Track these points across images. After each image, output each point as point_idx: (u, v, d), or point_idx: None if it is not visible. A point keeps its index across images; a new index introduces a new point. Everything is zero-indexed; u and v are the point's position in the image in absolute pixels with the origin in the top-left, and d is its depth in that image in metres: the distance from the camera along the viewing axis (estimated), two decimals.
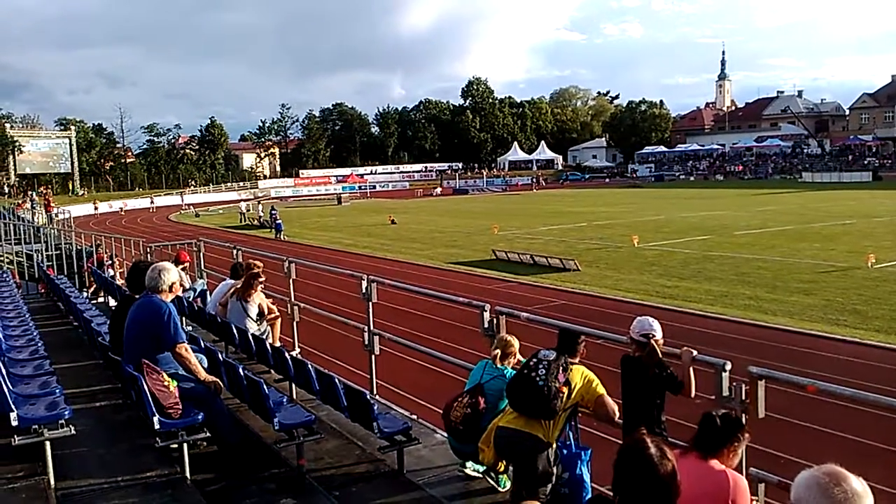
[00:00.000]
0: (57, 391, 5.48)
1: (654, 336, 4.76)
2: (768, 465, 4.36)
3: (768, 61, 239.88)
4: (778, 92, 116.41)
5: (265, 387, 5.52)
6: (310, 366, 6.29)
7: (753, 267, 23.58)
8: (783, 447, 8.24)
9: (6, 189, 73.42)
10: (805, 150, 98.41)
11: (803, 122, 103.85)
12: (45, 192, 61.39)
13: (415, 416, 6.73)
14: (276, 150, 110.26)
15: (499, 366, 5.28)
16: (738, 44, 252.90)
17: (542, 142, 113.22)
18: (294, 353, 7.86)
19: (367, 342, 7.70)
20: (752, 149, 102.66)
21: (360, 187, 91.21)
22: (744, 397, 4.18)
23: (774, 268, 23.27)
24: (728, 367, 4.26)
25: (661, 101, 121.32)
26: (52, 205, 44.96)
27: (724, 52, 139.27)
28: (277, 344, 8.13)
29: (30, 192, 62.25)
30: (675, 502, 2.58)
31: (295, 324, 9.43)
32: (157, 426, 5.02)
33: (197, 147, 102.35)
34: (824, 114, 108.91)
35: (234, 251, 11.17)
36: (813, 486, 2.06)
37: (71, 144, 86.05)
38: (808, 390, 4.32)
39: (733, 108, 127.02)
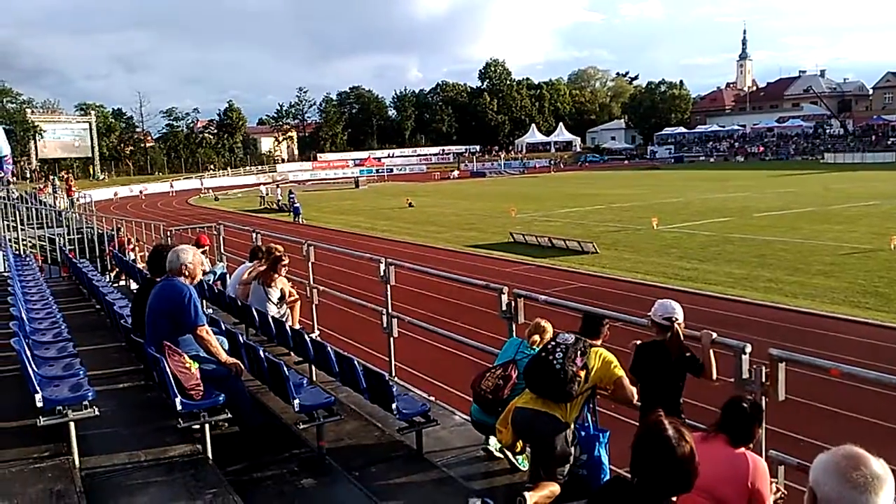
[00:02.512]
0: (80, 373, 5.55)
1: (676, 319, 4.74)
2: (788, 448, 4.35)
3: (790, 40, 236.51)
4: (800, 72, 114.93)
5: (285, 368, 5.56)
6: (329, 348, 6.33)
7: (774, 249, 23.37)
8: (803, 429, 8.20)
9: (28, 174, 74.12)
10: (827, 131, 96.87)
11: (826, 101, 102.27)
12: (66, 176, 61.93)
13: (433, 398, 6.76)
14: (294, 134, 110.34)
15: (533, 347, 5.31)
16: (759, 22, 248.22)
17: (561, 124, 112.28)
18: (313, 336, 7.92)
19: (385, 325, 7.73)
20: (773, 129, 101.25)
21: (377, 171, 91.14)
22: (764, 380, 4.15)
23: (796, 250, 23.05)
24: (748, 349, 4.23)
25: (681, 82, 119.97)
26: (74, 189, 45.33)
27: (745, 32, 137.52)
28: (297, 326, 8.18)
29: (51, 177, 62.88)
30: (693, 484, 2.58)
31: (314, 306, 9.49)
32: (178, 407, 5.08)
33: (215, 131, 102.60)
34: (847, 93, 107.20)
35: (254, 234, 11.23)
36: (831, 469, 2.01)
37: (91, 129, 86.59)
38: (832, 373, 4.29)
39: (754, 88, 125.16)
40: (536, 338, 5.32)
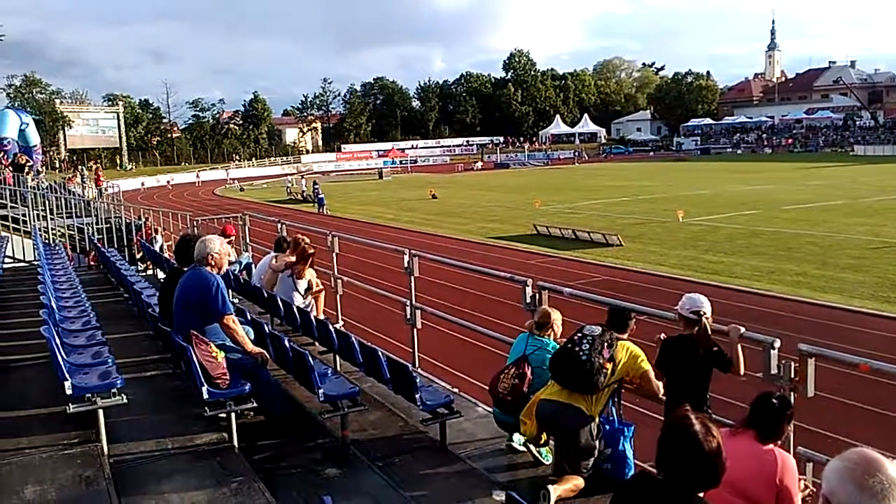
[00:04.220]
0: (109, 361, 5.61)
1: (704, 313, 4.69)
2: (816, 445, 4.29)
3: (820, 30, 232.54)
4: (830, 62, 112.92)
5: (310, 358, 5.59)
6: (353, 338, 6.35)
7: (802, 242, 23.07)
8: (831, 426, 8.11)
9: (57, 164, 75.13)
10: (857, 123, 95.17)
11: (856, 93, 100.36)
12: (94, 166, 62.69)
13: (456, 390, 6.75)
14: (319, 125, 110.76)
15: (538, 336, 5.29)
16: (788, 12, 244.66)
17: (585, 115, 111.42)
18: (337, 326, 7.95)
19: (409, 316, 7.74)
20: (802, 121, 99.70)
21: (400, 162, 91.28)
22: (793, 375, 4.10)
23: (824, 243, 22.73)
24: (777, 344, 4.18)
25: (708, 73, 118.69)
26: (102, 179, 45.89)
27: (773, 21, 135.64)
28: (321, 316, 8.22)
29: (80, 167, 63.72)
30: (720, 479, 2.56)
31: (338, 297, 9.53)
32: (205, 396, 5.12)
33: (241, 122, 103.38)
34: (878, 84, 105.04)
35: (279, 225, 11.30)
36: (846, 477, 1.92)
37: (119, 120, 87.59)
38: (862, 369, 4.22)
39: (783, 79, 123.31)
40: (531, 322, 5.35)
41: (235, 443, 5.15)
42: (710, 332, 4.67)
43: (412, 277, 7.66)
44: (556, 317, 5.40)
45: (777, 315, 14.29)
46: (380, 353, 5.88)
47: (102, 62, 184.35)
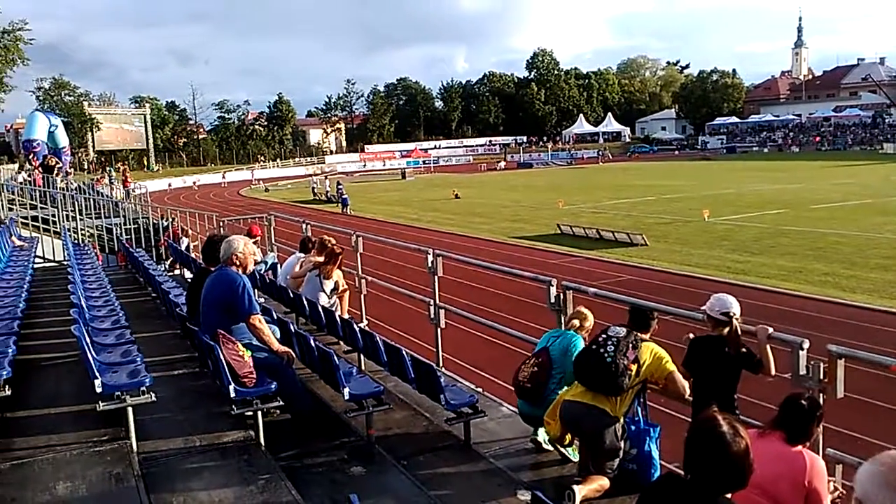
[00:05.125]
0: (138, 359, 5.68)
1: (734, 314, 4.64)
2: (846, 447, 4.24)
3: (848, 26, 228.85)
4: (858, 59, 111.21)
5: (335, 358, 5.63)
6: (378, 338, 6.38)
7: (830, 242, 22.75)
8: (861, 428, 8.00)
9: (85, 165, 76.19)
10: (887, 121, 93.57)
11: (885, 90, 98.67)
12: (122, 167, 63.52)
13: (480, 389, 6.76)
14: (342, 126, 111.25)
15: (566, 330, 5.36)
16: (815, 8, 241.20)
17: (609, 114, 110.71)
18: (362, 325, 7.99)
19: (433, 315, 7.75)
20: (829, 119, 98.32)
21: (423, 162, 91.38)
22: (822, 376, 4.05)
23: (853, 243, 22.39)
24: (806, 345, 4.13)
25: (734, 71, 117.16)
26: (129, 180, 46.47)
27: (800, 18, 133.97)
28: (346, 316, 8.27)
29: (107, 168, 64.59)
30: (747, 481, 2.54)
31: (362, 296, 9.57)
32: (232, 394, 5.18)
33: (266, 123, 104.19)
34: None
35: (304, 225, 11.37)
36: (880, 482, 1.90)
37: (146, 121, 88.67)
38: (892, 370, 4.16)
39: (810, 76, 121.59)
40: (576, 322, 5.37)
41: (262, 441, 5.20)
42: (740, 333, 4.62)
43: (436, 277, 7.67)
44: (590, 318, 5.44)
45: (804, 315, 14.12)
46: (404, 353, 5.90)
47: (129, 64, 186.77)
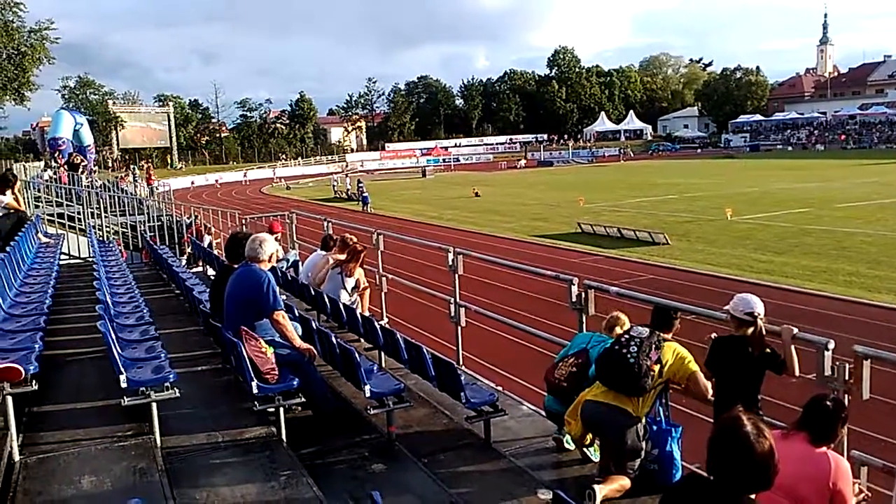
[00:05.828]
0: (162, 356, 5.73)
1: (759, 314, 4.59)
2: (871, 449, 4.19)
3: (874, 23, 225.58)
4: (885, 56, 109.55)
5: (357, 355, 5.65)
6: (398, 335, 6.40)
7: (855, 241, 22.46)
8: (886, 430, 7.89)
9: (110, 163, 77.07)
10: None
11: None
12: (146, 165, 64.17)
13: (500, 388, 6.74)
14: (363, 124, 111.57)
15: (603, 334, 5.30)
16: (841, 4, 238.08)
17: (631, 111, 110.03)
18: (383, 323, 8.01)
19: (453, 314, 7.75)
20: (855, 117, 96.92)
21: (444, 160, 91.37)
22: (847, 377, 4.00)
23: (879, 242, 22.09)
24: (831, 345, 4.07)
25: (758, 68, 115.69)
26: (153, 178, 46.93)
27: (825, 15, 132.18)
28: (367, 313, 8.30)
29: (131, 166, 65.28)
30: (772, 482, 2.52)
31: (383, 294, 9.60)
32: (255, 390, 5.22)
33: (287, 121, 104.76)
34: None
35: (325, 223, 11.42)
36: None
37: (169, 120, 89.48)
38: None
39: (836, 73, 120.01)
40: (618, 330, 5.29)
41: (284, 437, 5.23)
42: (765, 333, 4.58)
43: (456, 275, 7.67)
44: (626, 322, 5.39)
45: (828, 315, 13.96)
46: (425, 351, 5.91)
47: (153, 63, 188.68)
